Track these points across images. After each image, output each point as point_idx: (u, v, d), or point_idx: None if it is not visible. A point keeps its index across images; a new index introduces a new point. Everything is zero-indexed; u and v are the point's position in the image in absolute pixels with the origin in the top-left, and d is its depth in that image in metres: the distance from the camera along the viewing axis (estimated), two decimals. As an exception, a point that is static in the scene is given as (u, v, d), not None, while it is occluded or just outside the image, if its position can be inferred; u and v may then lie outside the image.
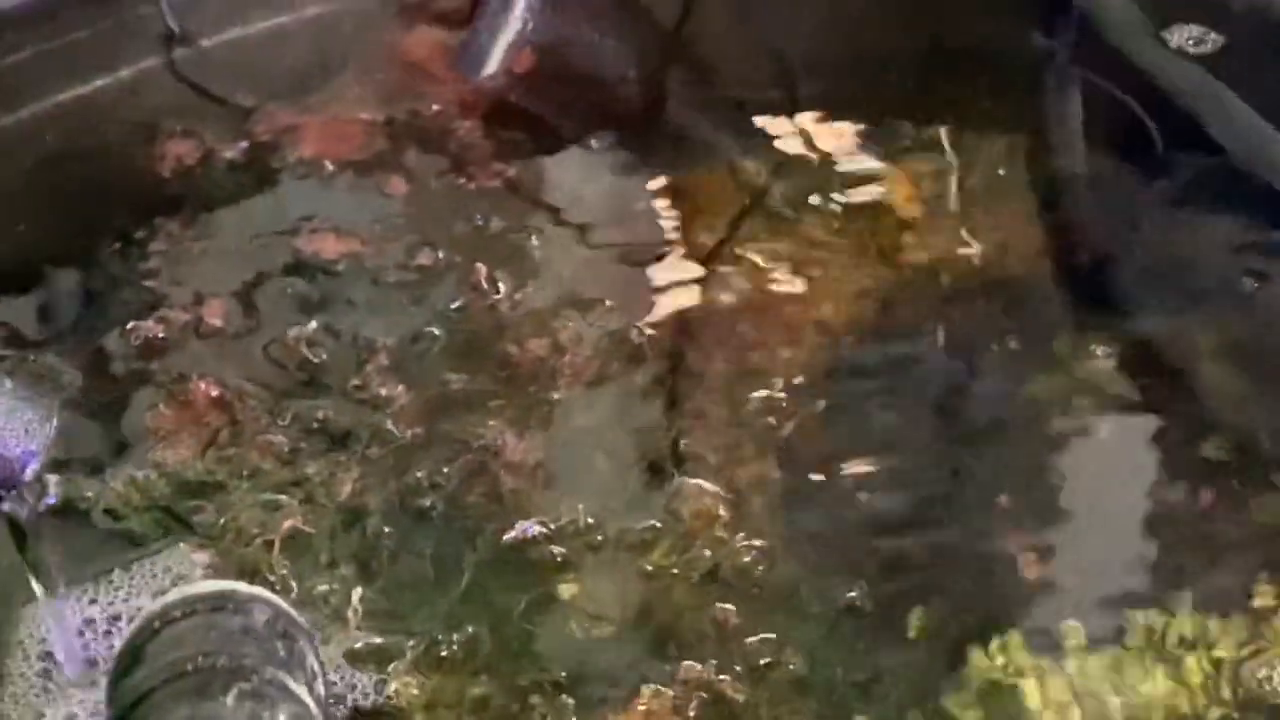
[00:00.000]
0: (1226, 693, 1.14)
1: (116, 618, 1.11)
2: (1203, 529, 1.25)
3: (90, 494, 1.21)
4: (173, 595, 0.76)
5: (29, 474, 0.96)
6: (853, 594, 1.18)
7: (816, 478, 1.28)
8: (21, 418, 0.96)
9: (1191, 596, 1.20)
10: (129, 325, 1.35)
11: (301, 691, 0.72)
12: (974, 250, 1.47)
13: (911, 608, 1.18)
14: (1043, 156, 1.60)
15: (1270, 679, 1.15)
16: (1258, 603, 1.19)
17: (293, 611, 0.78)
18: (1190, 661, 1.16)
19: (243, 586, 0.77)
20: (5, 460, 0.96)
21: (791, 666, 1.14)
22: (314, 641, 0.76)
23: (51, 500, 1.20)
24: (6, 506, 0.98)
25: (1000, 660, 1.16)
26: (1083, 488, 1.29)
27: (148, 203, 1.47)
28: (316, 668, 0.75)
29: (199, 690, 0.70)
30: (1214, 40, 1.64)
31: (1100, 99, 1.63)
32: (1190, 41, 1.64)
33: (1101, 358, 1.38)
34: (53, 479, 1.21)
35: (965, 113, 1.61)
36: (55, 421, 0.96)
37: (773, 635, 1.15)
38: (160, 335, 1.34)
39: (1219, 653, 1.17)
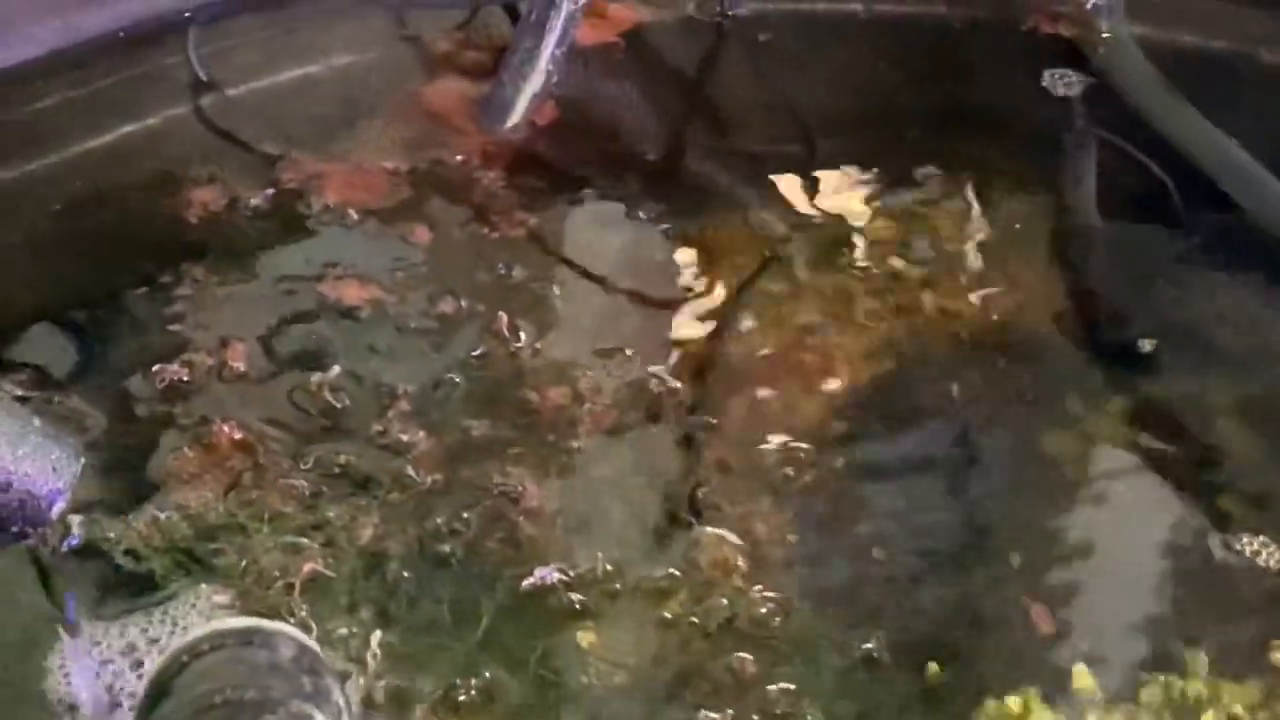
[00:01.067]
0: (1242, 754, 1.14)
1: (139, 661, 1.11)
2: (1218, 587, 1.25)
3: (112, 535, 1.22)
4: (200, 630, 0.76)
5: (55, 512, 0.97)
6: (869, 645, 1.19)
7: (833, 531, 1.28)
8: (49, 456, 0.97)
9: (1206, 655, 1.20)
10: (153, 368, 1.36)
11: (330, 726, 0.73)
12: (990, 307, 1.48)
13: (927, 661, 1.18)
14: (1059, 214, 1.61)
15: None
16: (1275, 658, 1.19)
17: (317, 647, 0.79)
18: (1206, 720, 1.16)
19: (269, 622, 0.77)
20: (33, 498, 0.96)
21: (809, 717, 1.14)
22: (339, 679, 0.77)
23: (74, 541, 1.21)
24: (32, 543, 0.99)
25: (1016, 716, 1.16)
26: (1097, 544, 1.29)
27: (173, 248, 1.48)
28: (342, 703, 0.75)
29: (227, 724, 0.71)
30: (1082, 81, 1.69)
31: (1117, 157, 1.65)
32: (1061, 81, 1.67)
33: (1116, 415, 1.39)
34: (75, 519, 1.21)
35: (982, 170, 1.62)
36: (82, 460, 0.97)
37: (790, 686, 1.16)
38: (184, 378, 1.35)
39: (1235, 710, 1.17)
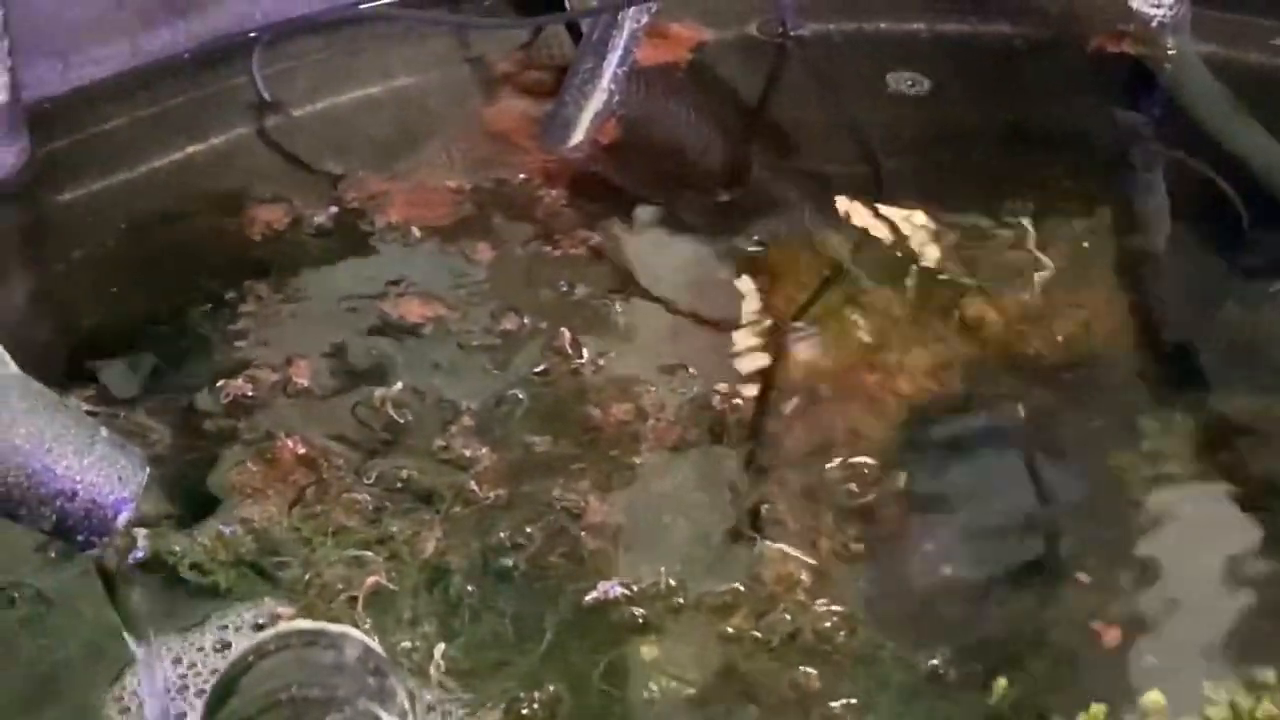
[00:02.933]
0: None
1: (204, 672, 1.12)
2: (1286, 603, 1.24)
3: (177, 549, 1.22)
4: (267, 632, 0.77)
5: (121, 521, 0.97)
6: (934, 661, 1.18)
7: (898, 547, 1.27)
8: (115, 465, 0.96)
9: (1276, 675, 1.18)
10: (218, 384, 1.36)
11: (396, 726, 0.73)
12: (1056, 326, 1.47)
13: (993, 677, 1.17)
14: (1127, 233, 1.60)
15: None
16: (1347, 676, 1.18)
17: (382, 650, 0.79)
18: (1279, 742, 1.14)
19: (334, 626, 0.77)
20: (99, 507, 0.96)
21: (874, 733, 1.14)
22: (404, 681, 0.76)
23: (140, 554, 1.21)
24: (97, 553, 0.99)
25: (1083, 729, 1.15)
26: (1165, 563, 1.28)
27: (238, 266, 1.49)
28: (407, 704, 0.75)
29: (293, 720, 0.71)
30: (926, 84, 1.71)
31: (1185, 175, 1.64)
32: (908, 84, 1.68)
33: (1184, 434, 1.37)
34: (141, 533, 1.22)
35: (1049, 189, 1.62)
36: (148, 470, 0.97)
37: (853, 701, 1.15)
38: (249, 394, 1.36)
39: (1306, 726, 1.15)
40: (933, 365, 1.43)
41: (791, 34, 1.79)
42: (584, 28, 1.67)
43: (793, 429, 1.37)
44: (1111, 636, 1.22)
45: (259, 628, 1.13)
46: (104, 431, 0.98)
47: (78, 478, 0.96)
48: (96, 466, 0.96)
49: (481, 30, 1.79)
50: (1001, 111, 1.75)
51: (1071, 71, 1.78)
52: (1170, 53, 1.75)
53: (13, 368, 0.95)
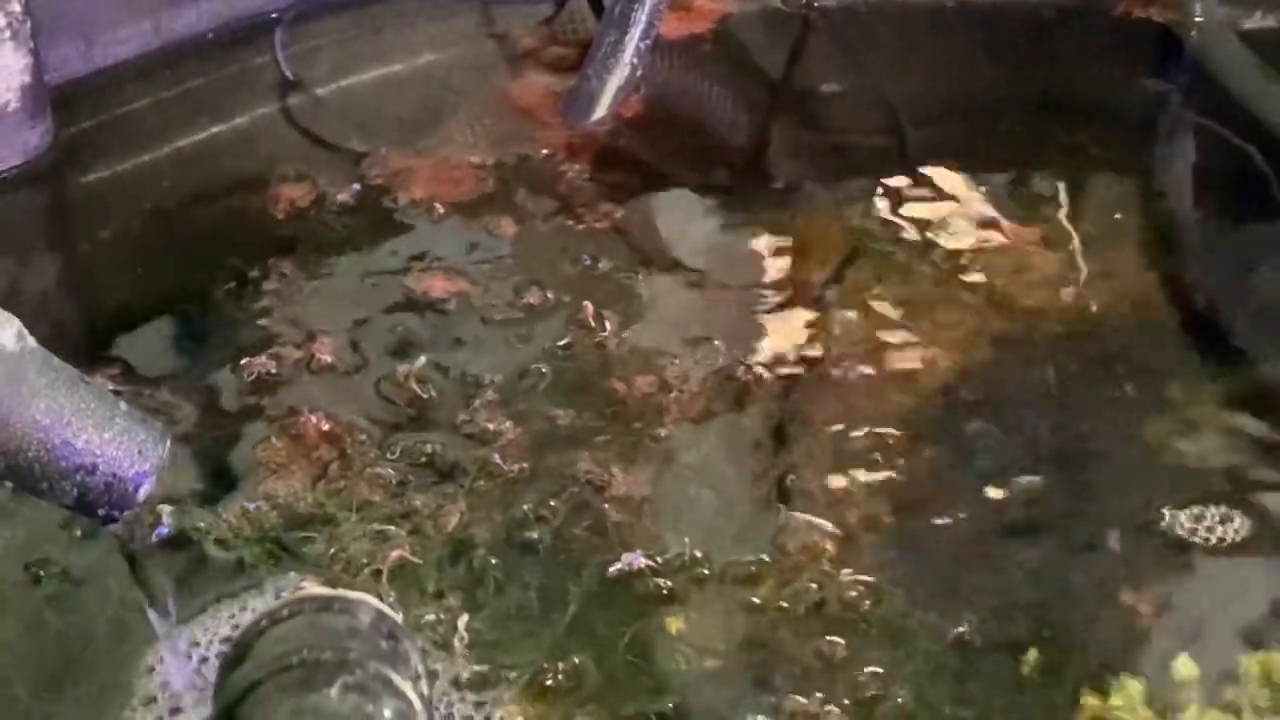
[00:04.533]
0: (1347, 736, 1.12)
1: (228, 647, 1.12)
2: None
3: (202, 524, 1.23)
4: (281, 599, 0.77)
5: (142, 495, 0.97)
6: (962, 629, 1.17)
7: (926, 517, 1.27)
8: (135, 439, 0.97)
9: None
10: (242, 361, 1.36)
11: (406, 687, 0.72)
12: (1087, 296, 1.46)
13: (1023, 647, 1.16)
14: (1157, 202, 1.59)
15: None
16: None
17: (398, 616, 0.79)
18: (1310, 709, 1.13)
19: (349, 591, 0.78)
20: (119, 480, 0.96)
21: (899, 700, 1.13)
22: (417, 644, 0.76)
23: (165, 531, 1.22)
24: (119, 527, 0.99)
25: (1116, 706, 1.14)
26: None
27: (262, 244, 1.50)
28: (420, 669, 0.75)
29: (304, 682, 0.70)
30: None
31: (1214, 143, 1.62)
32: None
33: (1215, 400, 1.36)
34: (166, 509, 1.22)
35: (1078, 159, 1.61)
36: (168, 444, 0.97)
37: (880, 669, 1.14)
38: (272, 371, 1.36)
39: (1338, 694, 1.14)
40: (961, 335, 1.42)
41: (815, 5, 1.78)
42: (606, 2, 1.67)
43: (818, 400, 1.36)
44: (1143, 606, 1.21)
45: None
46: (123, 406, 0.98)
47: (98, 451, 0.96)
48: (116, 441, 0.96)
49: (505, 6, 1.79)
50: (1029, 80, 1.74)
51: (1099, 39, 1.77)
52: (1198, 19, 1.73)
53: (32, 343, 0.95)
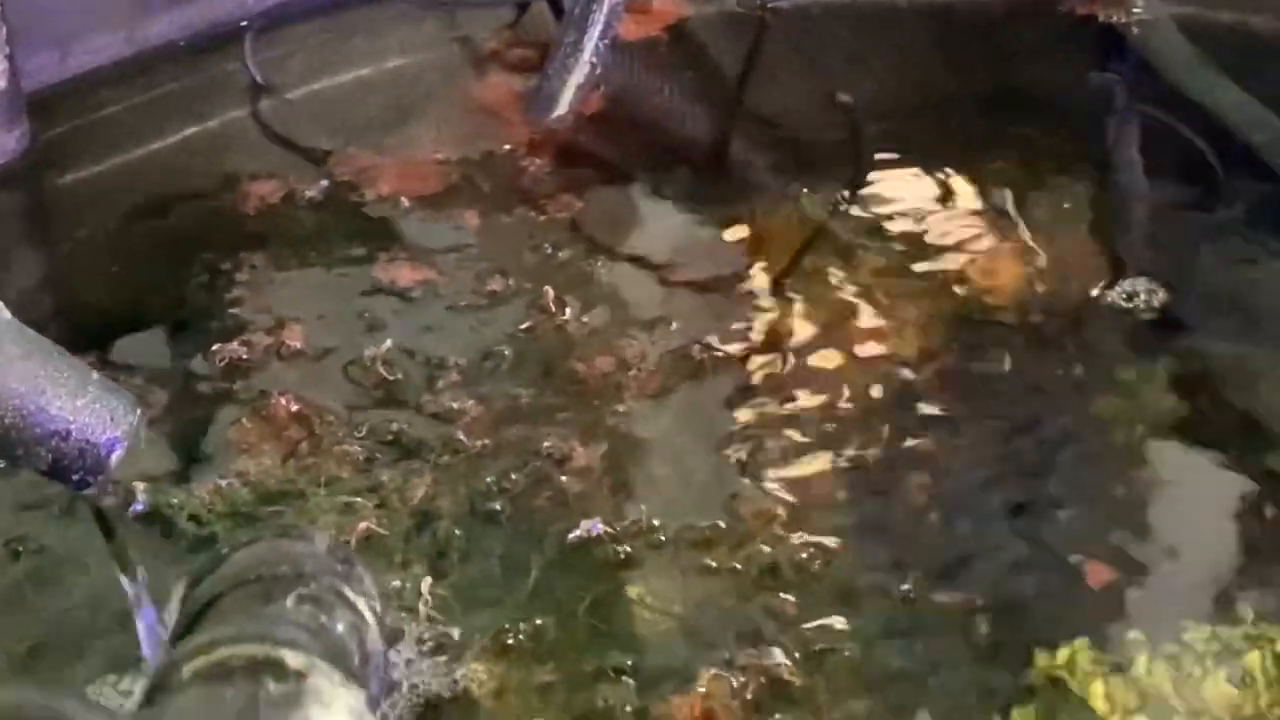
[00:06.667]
0: (1291, 697, 1.15)
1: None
2: (1265, 541, 1.27)
3: (176, 501, 1.26)
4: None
5: (114, 460, 1.00)
6: (907, 587, 1.21)
7: (879, 486, 1.31)
8: (107, 406, 1.00)
9: (1254, 606, 1.21)
10: (214, 348, 1.41)
11: (359, 603, 0.77)
12: (1038, 280, 1.50)
13: (975, 609, 1.20)
14: (1104, 189, 1.63)
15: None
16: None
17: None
18: (1254, 663, 1.17)
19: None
20: (92, 446, 1.00)
21: (848, 654, 1.17)
22: (370, 574, 0.81)
23: (139, 507, 1.26)
24: (93, 492, 1.03)
25: (1065, 664, 1.17)
26: (1146, 502, 1.31)
27: (233, 239, 1.54)
28: (374, 591, 0.79)
29: (262, 595, 0.75)
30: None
31: (1159, 132, 1.67)
32: None
33: (1163, 380, 1.40)
34: (140, 487, 1.26)
35: (1027, 150, 1.65)
36: (139, 411, 1.01)
37: (830, 624, 1.18)
38: (244, 357, 1.40)
39: (1280, 649, 1.18)
40: (915, 320, 1.46)
41: (770, 6, 1.83)
42: (566, 4, 1.71)
43: (773, 378, 1.40)
44: (1094, 574, 1.24)
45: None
46: (95, 375, 1.02)
47: (71, 418, 0.99)
48: (89, 408, 1.00)
49: (469, 11, 1.83)
50: (980, 76, 1.78)
51: (1046, 36, 1.82)
52: (1138, 14, 1.78)
53: (7, 315, 0.99)
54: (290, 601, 0.73)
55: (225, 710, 0.65)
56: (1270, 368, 1.41)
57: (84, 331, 1.45)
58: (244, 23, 1.75)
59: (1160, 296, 1.47)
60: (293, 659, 0.69)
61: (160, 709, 0.68)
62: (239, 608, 0.74)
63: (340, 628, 0.74)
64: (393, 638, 1.14)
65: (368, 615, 0.76)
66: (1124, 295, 1.45)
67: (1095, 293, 1.48)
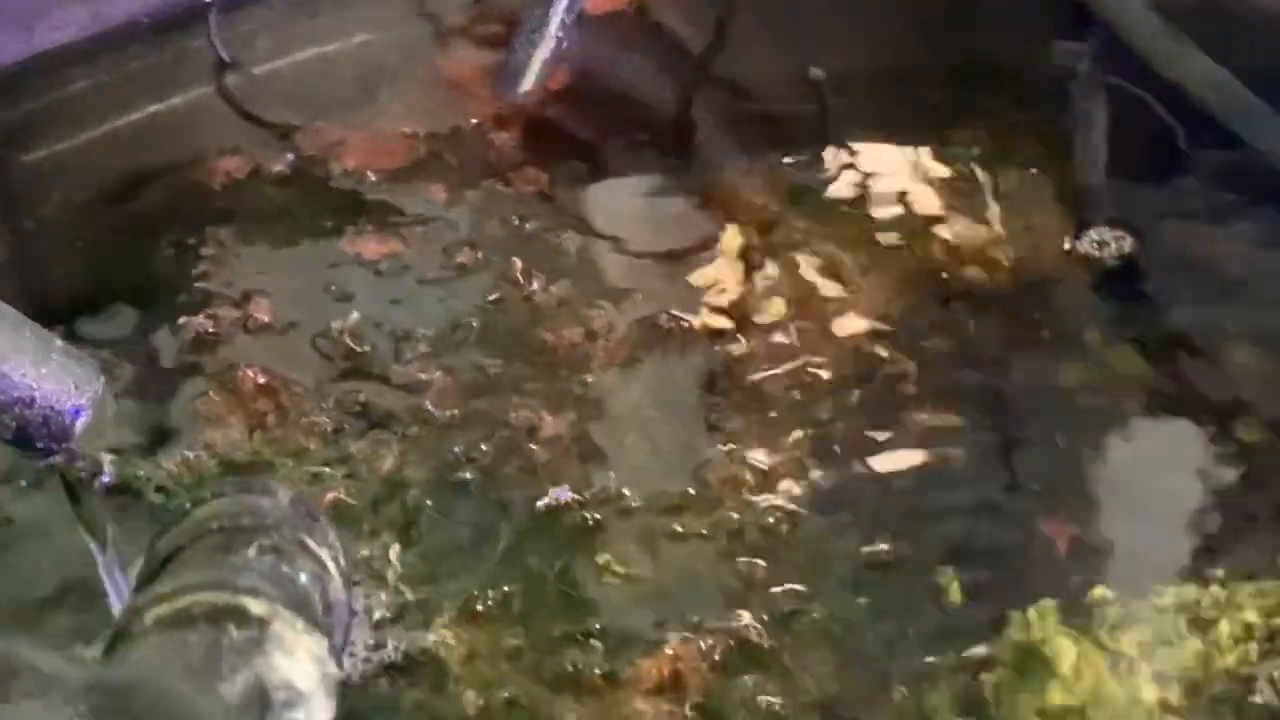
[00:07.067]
0: (1256, 655, 1.16)
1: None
2: (1233, 506, 1.28)
3: (143, 473, 1.27)
4: (206, 494, 0.82)
5: (79, 427, 1.01)
6: (874, 549, 1.22)
7: (847, 452, 1.31)
8: (71, 374, 1.00)
9: (1222, 569, 1.22)
10: (181, 321, 1.41)
11: (322, 554, 0.77)
12: (1005, 250, 1.51)
13: (943, 571, 1.21)
14: (1070, 159, 1.63)
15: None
16: (1290, 567, 1.21)
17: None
18: (1221, 627, 1.18)
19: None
20: (56, 413, 1.00)
21: (815, 616, 1.17)
22: (333, 528, 0.81)
23: (107, 479, 1.26)
24: (59, 459, 1.03)
25: (1034, 625, 1.18)
26: (1115, 468, 1.32)
27: (200, 214, 1.54)
28: (337, 543, 0.80)
29: (224, 546, 0.75)
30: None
31: (1125, 102, 1.67)
32: None
33: (1130, 347, 1.41)
34: (107, 459, 1.26)
35: (995, 121, 1.65)
36: (103, 379, 1.01)
37: (797, 587, 1.19)
38: (211, 330, 1.40)
39: (1248, 617, 1.18)
40: (883, 290, 1.47)
41: (737, -21, 1.83)
42: (533, -22, 1.72)
43: (742, 347, 1.41)
44: (1063, 539, 1.25)
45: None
46: (59, 343, 1.02)
47: (35, 385, 0.99)
48: (53, 375, 1.00)
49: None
50: (947, 49, 1.78)
51: (1014, 5, 1.82)
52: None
53: (-33, 284, 0.99)
54: (252, 551, 0.74)
55: (188, 655, 0.66)
56: (1235, 332, 1.42)
57: (50, 307, 1.44)
58: (208, 1, 1.74)
59: (1128, 244, 1.48)
60: (255, 606, 0.69)
61: (123, 655, 0.68)
62: (201, 559, 0.74)
63: (303, 577, 0.75)
64: (362, 605, 1.14)
65: (330, 566, 0.77)
66: (1094, 243, 1.46)
67: (1067, 245, 1.49)
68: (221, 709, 0.64)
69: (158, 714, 0.62)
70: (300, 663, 0.68)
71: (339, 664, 0.72)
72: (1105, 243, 1.39)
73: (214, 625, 0.67)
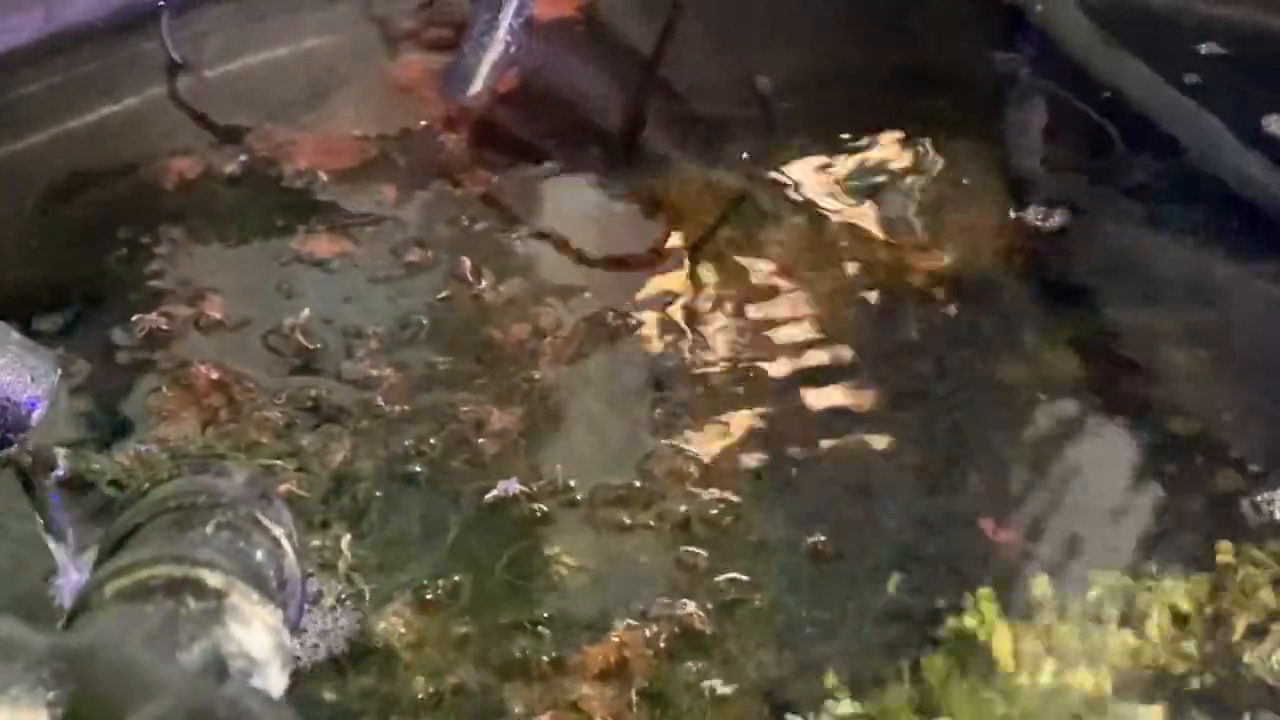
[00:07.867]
0: (1189, 646, 1.19)
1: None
2: (1166, 499, 1.31)
3: (97, 467, 1.28)
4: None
5: (35, 419, 1.02)
6: (815, 540, 1.25)
7: (791, 447, 1.34)
8: (27, 366, 1.02)
9: (1155, 561, 1.25)
10: (133, 318, 1.42)
11: (277, 531, 0.79)
12: (944, 252, 1.54)
13: (883, 564, 1.24)
14: (1009, 162, 1.66)
15: (1233, 634, 1.19)
16: (1219, 560, 1.24)
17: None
18: (1154, 616, 1.21)
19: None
20: (13, 405, 1.01)
21: (758, 604, 1.20)
22: (287, 507, 0.83)
23: (61, 473, 1.27)
24: (15, 450, 1.04)
25: (972, 615, 1.21)
26: (1052, 464, 1.34)
27: (152, 214, 1.56)
28: (290, 522, 0.82)
29: (181, 523, 0.77)
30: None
31: (1060, 107, 1.71)
32: None
33: (1066, 346, 1.44)
34: (61, 453, 1.27)
35: (935, 125, 1.68)
36: (59, 371, 1.02)
37: (741, 576, 1.22)
38: (163, 327, 1.42)
39: (1182, 607, 1.21)
40: (827, 290, 1.49)
41: (682, -14, 1.85)
42: (481, -18, 1.74)
43: (687, 344, 1.43)
44: (1001, 534, 1.28)
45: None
46: (15, 335, 1.04)
47: (-9, 377, 1.01)
48: (9, 367, 1.02)
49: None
50: (889, 54, 1.81)
51: (953, 14, 1.85)
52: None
53: (-76, 279, 1.01)
54: (209, 528, 0.76)
55: (147, 625, 0.68)
56: (1168, 330, 1.45)
57: (3, 304, 1.45)
58: (161, 2, 1.76)
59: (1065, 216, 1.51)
60: (212, 578, 0.71)
61: (83, 624, 0.70)
62: (159, 535, 0.76)
63: (258, 554, 0.77)
64: (314, 594, 1.17)
65: (285, 543, 0.79)
66: (1039, 215, 1.50)
67: (1013, 214, 1.53)
68: (180, 676, 0.67)
69: (118, 680, 0.64)
70: (256, 633, 0.70)
71: (293, 636, 0.74)
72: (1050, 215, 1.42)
73: (172, 596, 0.70)
